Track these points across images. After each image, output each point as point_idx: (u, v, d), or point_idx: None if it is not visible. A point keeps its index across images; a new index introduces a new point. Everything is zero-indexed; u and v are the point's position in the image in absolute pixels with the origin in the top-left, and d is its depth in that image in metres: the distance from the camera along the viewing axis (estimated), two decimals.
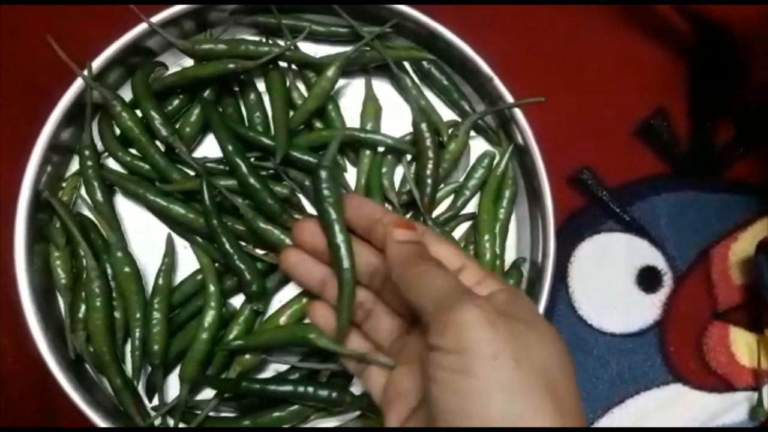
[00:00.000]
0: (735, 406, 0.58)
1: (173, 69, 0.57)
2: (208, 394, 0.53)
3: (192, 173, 0.54)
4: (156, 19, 0.53)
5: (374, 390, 0.46)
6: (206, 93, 0.55)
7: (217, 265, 0.53)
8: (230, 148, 0.52)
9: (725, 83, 0.63)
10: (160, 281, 0.52)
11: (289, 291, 0.55)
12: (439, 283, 0.38)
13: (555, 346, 0.36)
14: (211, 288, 0.52)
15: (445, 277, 0.38)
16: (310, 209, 0.55)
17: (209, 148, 0.56)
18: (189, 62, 0.56)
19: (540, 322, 0.37)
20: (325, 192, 0.47)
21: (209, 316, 0.51)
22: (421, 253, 0.41)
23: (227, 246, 0.51)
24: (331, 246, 0.47)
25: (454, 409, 0.33)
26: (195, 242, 0.54)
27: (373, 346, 0.48)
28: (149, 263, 0.53)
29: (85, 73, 0.52)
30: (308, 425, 0.53)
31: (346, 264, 0.46)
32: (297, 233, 0.49)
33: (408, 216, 0.56)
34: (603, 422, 0.58)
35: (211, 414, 0.52)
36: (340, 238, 0.46)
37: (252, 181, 0.51)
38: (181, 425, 0.52)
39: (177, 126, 0.54)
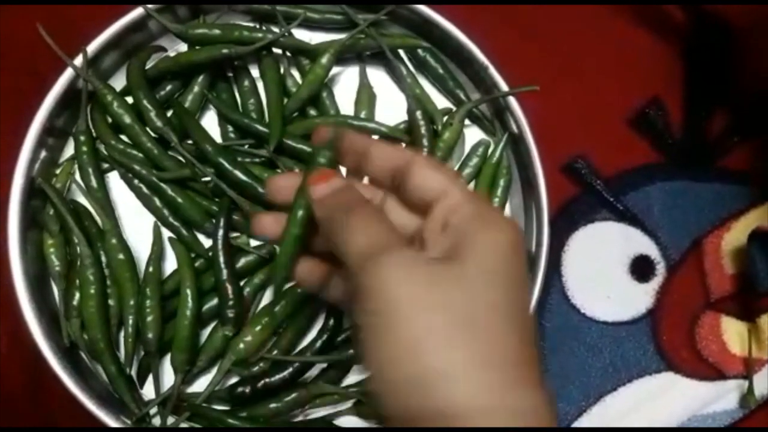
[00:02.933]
0: (726, 394, 0.58)
1: (171, 54, 0.57)
2: (201, 385, 0.53)
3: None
4: (151, 4, 0.53)
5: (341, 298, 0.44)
6: (200, 79, 0.55)
7: (197, 264, 0.53)
8: (209, 148, 0.52)
9: (720, 73, 0.63)
10: (150, 269, 0.52)
11: None
12: (360, 241, 0.35)
13: (485, 290, 0.33)
14: (185, 273, 0.52)
15: (365, 233, 0.35)
16: None
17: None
18: (185, 48, 0.56)
19: (484, 259, 0.34)
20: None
21: (187, 302, 0.51)
22: (346, 204, 0.37)
23: (222, 265, 0.51)
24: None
25: (376, 362, 0.33)
26: (180, 234, 0.54)
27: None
28: (143, 251, 0.53)
29: (79, 59, 0.52)
30: (302, 416, 0.53)
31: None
32: (272, 189, 0.44)
33: None
34: (595, 410, 0.58)
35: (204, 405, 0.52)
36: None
37: (240, 176, 0.52)
38: (184, 425, 0.52)
39: (169, 114, 0.54)
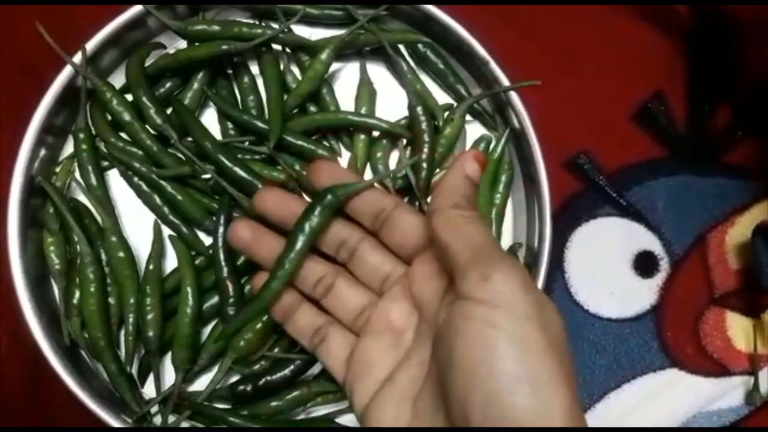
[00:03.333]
0: (731, 391, 0.58)
1: (170, 51, 0.56)
2: (202, 384, 0.53)
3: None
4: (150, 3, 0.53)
5: (334, 364, 0.45)
6: (200, 76, 0.54)
7: (197, 262, 0.53)
8: (209, 145, 0.52)
9: (723, 67, 0.62)
10: (151, 266, 0.52)
11: None
12: (481, 234, 0.37)
13: (562, 324, 0.36)
14: (186, 271, 0.52)
15: (486, 231, 0.38)
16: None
17: None
18: (185, 45, 0.56)
19: (549, 300, 0.37)
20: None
21: (188, 300, 0.51)
22: (467, 201, 0.40)
23: (223, 263, 0.51)
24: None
25: (480, 361, 0.33)
26: (180, 232, 0.53)
27: (330, 319, 0.46)
28: (144, 249, 0.53)
29: (78, 56, 0.52)
30: (305, 414, 0.53)
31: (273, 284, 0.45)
32: (260, 204, 0.46)
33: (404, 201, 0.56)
34: (599, 407, 0.58)
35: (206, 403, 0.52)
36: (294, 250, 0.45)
37: (240, 173, 0.51)
38: (185, 424, 0.52)
39: (169, 111, 0.54)
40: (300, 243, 0.44)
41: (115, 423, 0.49)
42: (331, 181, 0.45)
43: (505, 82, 0.54)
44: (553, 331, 0.35)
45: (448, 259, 0.38)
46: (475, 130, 0.58)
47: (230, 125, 0.55)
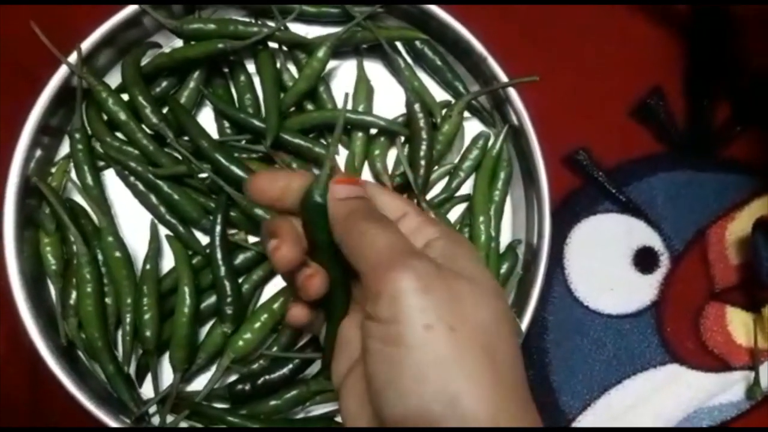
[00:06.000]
0: (732, 386, 0.58)
1: (166, 51, 0.56)
2: (200, 383, 0.53)
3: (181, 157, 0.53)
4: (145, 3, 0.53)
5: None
6: (196, 75, 0.54)
7: (195, 261, 0.53)
8: (206, 144, 0.51)
9: (722, 61, 0.62)
10: (148, 266, 0.52)
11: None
12: (380, 244, 0.34)
13: (494, 302, 0.34)
14: (183, 271, 0.51)
15: (386, 237, 0.34)
16: None
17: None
18: (181, 44, 0.55)
19: (479, 274, 0.35)
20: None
21: (185, 300, 0.51)
22: (366, 210, 0.37)
23: (220, 262, 0.51)
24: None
25: (387, 382, 0.32)
26: (177, 232, 0.53)
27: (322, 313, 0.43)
28: (140, 248, 0.53)
29: (74, 56, 0.51)
30: (304, 413, 0.53)
31: None
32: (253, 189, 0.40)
33: None
34: (600, 403, 0.57)
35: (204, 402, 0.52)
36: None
37: (237, 172, 0.51)
38: (184, 424, 0.52)
39: (165, 111, 0.54)
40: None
41: (113, 423, 0.48)
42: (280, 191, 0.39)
43: (504, 78, 0.54)
44: (472, 320, 0.32)
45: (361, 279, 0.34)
46: (473, 127, 0.58)
47: (227, 124, 0.55)
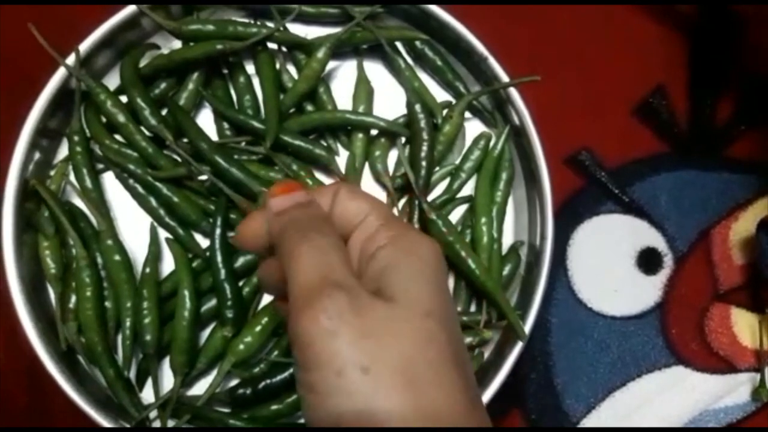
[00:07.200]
0: (737, 388, 0.57)
1: (164, 52, 0.56)
2: (201, 388, 0.52)
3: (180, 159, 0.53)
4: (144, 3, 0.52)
5: None
6: (195, 76, 0.54)
7: (195, 264, 0.52)
8: (205, 146, 0.51)
9: (726, 59, 0.62)
10: (147, 270, 0.51)
11: None
12: (301, 273, 0.31)
13: (417, 324, 0.31)
14: (183, 274, 0.51)
15: (309, 261, 0.32)
16: None
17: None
18: (179, 46, 0.55)
19: (410, 291, 0.32)
20: None
21: (185, 303, 0.50)
22: (301, 222, 0.34)
23: (220, 265, 0.51)
24: None
25: (314, 423, 0.30)
26: (176, 234, 0.53)
27: None
28: (140, 252, 0.53)
29: (72, 58, 0.51)
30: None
31: None
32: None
33: (403, 200, 0.55)
34: (605, 405, 0.57)
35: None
36: None
37: (236, 174, 0.51)
38: (188, 425, 0.51)
39: (164, 112, 0.53)
40: None
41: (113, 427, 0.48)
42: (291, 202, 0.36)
43: (505, 78, 0.54)
44: (390, 351, 0.30)
45: None
46: (474, 128, 0.57)
47: (226, 126, 0.55)
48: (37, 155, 0.52)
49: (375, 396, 0.29)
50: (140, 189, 0.53)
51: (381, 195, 0.55)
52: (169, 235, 0.53)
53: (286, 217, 0.34)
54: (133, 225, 0.53)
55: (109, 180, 0.54)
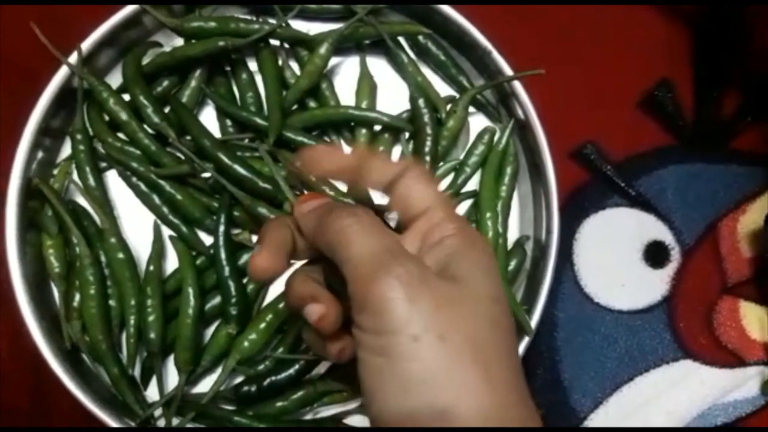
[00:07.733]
0: (746, 381, 0.57)
1: (167, 50, 0.56)
2: (205, 385, 0.52)
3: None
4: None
5: None
6: (197, 73, 0.54)
7: (198, 262, 0.52)
8: (208, 143, 0.51)
9: (731, 51, 0.61)
10: (151, 268, 0.51)
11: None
12: (359, 246, 0.32)
13: (488, 308, 0.32)
14: (187, 271, 0.51)
15: (364, 237, 0.33)
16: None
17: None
18: (181, 43, 0.55)
19: (478, 278, 0.33)
20: None
21: (189, 301, 0.50)
22: (338, 206, 0.35)
23: (224, 262, 0.50)
24: None
25: (375, 390, 0.31)
26: (180, 232, 0.53)
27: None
28: (144, 250, 0.52)
29: (74, 56, 0.51)
30: (312, 415, 0.52)
31: None
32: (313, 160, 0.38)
33: None
34: (612, 400, 0.57)
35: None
36: None
37: (240, 171, 0.51)
38: (191, 425, 0.51)
39: (166, 110, 0.53)
40: None
41: (118, 426, 0.48)
42: (333, 166, 0.38)
43: (508, 71, 0.53)
44: (463, 327, 0.31)
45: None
46: (478, 122, 0.57)
47: (229, 123, 0.54)
48: (40, 154, 0.52)
49: (450, 364, 0.30)
50: (143, 187, 0.53)
51: None
52: (173, 233, 0.53)
53: (320, 210, 0.35)
54: (137, 223, 0.53)
55: (113, 178, 0.54)
